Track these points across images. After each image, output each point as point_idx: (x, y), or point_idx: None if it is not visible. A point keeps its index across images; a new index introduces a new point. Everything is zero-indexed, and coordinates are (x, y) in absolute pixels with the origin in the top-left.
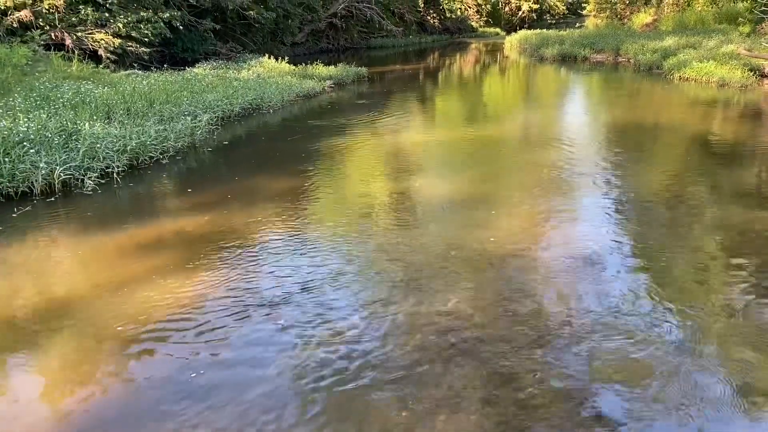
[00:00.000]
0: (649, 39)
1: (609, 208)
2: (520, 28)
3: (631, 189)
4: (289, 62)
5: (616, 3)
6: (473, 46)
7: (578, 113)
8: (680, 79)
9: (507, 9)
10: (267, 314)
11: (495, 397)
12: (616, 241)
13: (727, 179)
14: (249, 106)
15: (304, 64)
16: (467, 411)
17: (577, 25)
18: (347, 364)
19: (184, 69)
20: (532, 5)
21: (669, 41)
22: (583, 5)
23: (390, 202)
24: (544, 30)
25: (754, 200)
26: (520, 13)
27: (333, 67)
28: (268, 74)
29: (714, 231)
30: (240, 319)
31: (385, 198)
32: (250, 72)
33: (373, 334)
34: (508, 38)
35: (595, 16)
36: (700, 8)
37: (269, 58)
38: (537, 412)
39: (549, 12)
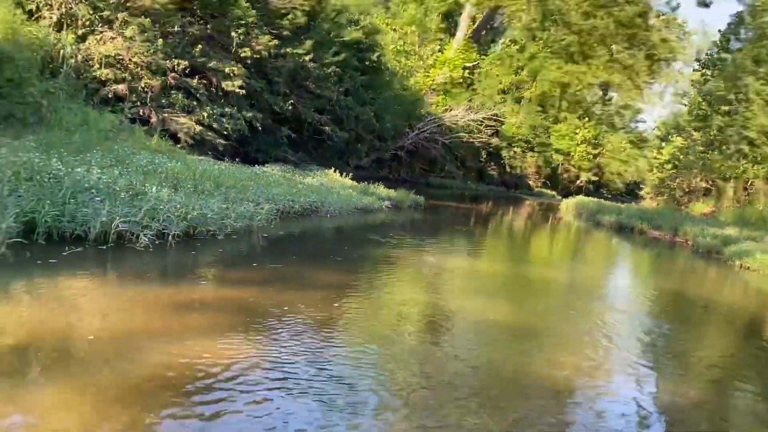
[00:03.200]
0: (708, 225)
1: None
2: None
3: (674, 364)
4: (351, 179)
5: (674, 189)
6: (528, 202)
7: (629, 281)
8: (741, 267)
9: (566, 175)
10: (278, 387)
11: None
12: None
13: None
14: (309, 207)
15: (366, 183)
16: None
17: (633, 203)
18: None
19: (254, 166)
20: (591, 177)
21: (730, 230)
22: (640, 186)
23: (424, 320)
24: (602, 200)
25: None
26: (578, 181)
27: (393, 190)
28: (331, 185)
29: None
30: (249, 390)
31: (420, 316)
32: (315, 179)
33: None
34: (564, 201)
35: (651, 198)
36: (761, 207)
37: (334, 171)
38: None
39: (606, 187)
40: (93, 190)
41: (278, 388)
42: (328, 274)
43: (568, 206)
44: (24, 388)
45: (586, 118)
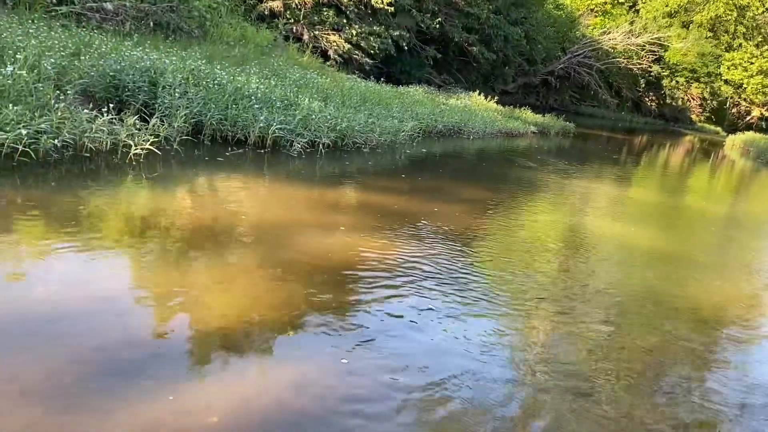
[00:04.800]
0: None
1: None
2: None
3: None
4: (497, 102)
5: None
6: (688, 138)
7: None
8: None
9: (734, 110)
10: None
11: None
12: None
13: None
14: (452, 127)
15: (512, 107)
16: None
17: None
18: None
19: (398, 87)
20: (764, 112)
21: None
22: None
23: (564, 240)
24: None
25: None
26: (749, 117)
27: (540, 116)
28: (475, 108)
29: None
30: (386, 281)
31: (562, 236)
32: (459, 101)
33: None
34: (730, 137)
35: None
36: None
37: (479, 94)
38: None
39: None
40: (252, 98)
41: (412, 284)
42: (470, 191)
43: (734, 143)
44: (192, 266)
45: (766, 46)
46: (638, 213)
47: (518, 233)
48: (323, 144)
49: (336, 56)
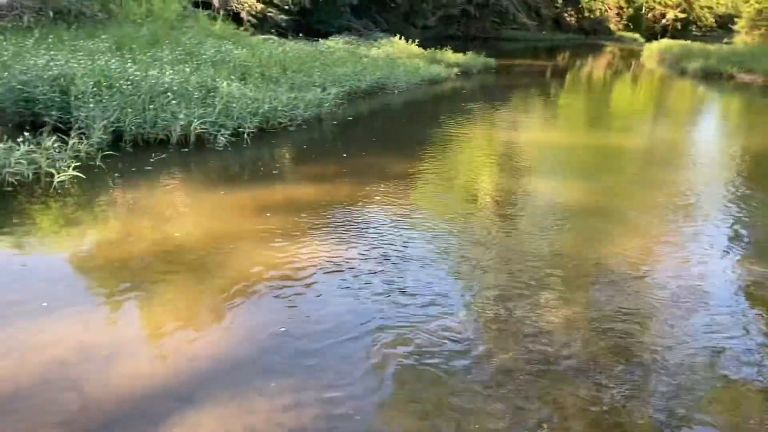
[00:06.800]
0: None
1: (732, 238)
2: (662, 37)
3: (759, 224)
4: (418, 45)
5: None
6: (608, 49)
7: (713, 134)
8: None
9: (650, 15)
10: (355, 279)
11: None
12: (733, 274)
13: None
14: (376, 85)
15: (433, 48)
16: (560, 426)
17: (725, 40)
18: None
19: (317, 40)
20: (678, 14)
21: None
22: (735, 19)
23: (497, 201)
24: (689, 42)
25: None
26: (664, 20)
27: (462, 54)
28: (397, 55)
29: None
30: (331, 282)
31: (493, 196)
32: (380, 51)
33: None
34: (647, 45)
35: (747, 33)
36: None
37: (400, 38)
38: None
39: (695, 23)
40: (168, 93)
41: (359, 278)
42: (398, 160)
43: (651, 51)
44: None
45: None
46: (563, 162)
47: (450, 205)
48: (248, 133)
49: (249, 18)
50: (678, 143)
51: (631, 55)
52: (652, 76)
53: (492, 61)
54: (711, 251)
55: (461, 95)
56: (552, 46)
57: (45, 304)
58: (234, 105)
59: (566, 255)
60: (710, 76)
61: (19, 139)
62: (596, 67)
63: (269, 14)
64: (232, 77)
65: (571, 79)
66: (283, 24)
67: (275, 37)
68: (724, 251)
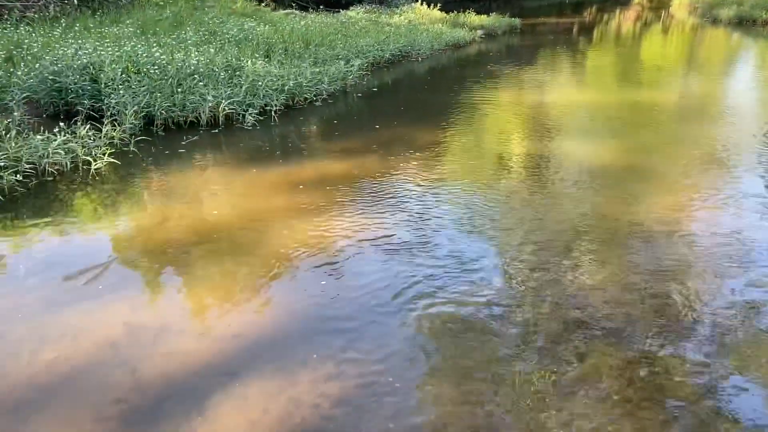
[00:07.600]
0: None
1: None
2: None
3: None
4: (440, 9)
5: None
6: (636, 1)
7: (749, 85)
8: None
9: None
10: (391, 250)
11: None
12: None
13: None
14: (399, 53)
15: (455, 12)
16: (599, 388)
17: None
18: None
19: (339, 11)
20: None
21: None
22: None
23: (529, 164)
24: None
25: None
26: None
27: (485, 16)
28: (420, 21)
29: None
30: (365, 253)
31: (525, 159)
32: (402, 18)
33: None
34: None
35: None
36: None
37: (421, 3)
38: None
39: None
40: (195, 75)
41: (391, 250)
42: (425, 128)
43: (681, 2)
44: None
45: None
46: (592, 121)
47: (480, 172)
48: (275, 110)
49: None
50: (712, 96)
51: (660, 6)
52: (684, 26)
53: (517, 21)
54: (749, 207)
55: (487, 58)
56: (578, 1)
57: (100, 287)
58: (260, 83)
59: (601, 215)
60: (744, 23)
61: (56, 129)
62: (625, 20)
63: None
64: (256, 55)
65: (599, 34)
66: None
67: (296, 11)
68: (763, 207)
